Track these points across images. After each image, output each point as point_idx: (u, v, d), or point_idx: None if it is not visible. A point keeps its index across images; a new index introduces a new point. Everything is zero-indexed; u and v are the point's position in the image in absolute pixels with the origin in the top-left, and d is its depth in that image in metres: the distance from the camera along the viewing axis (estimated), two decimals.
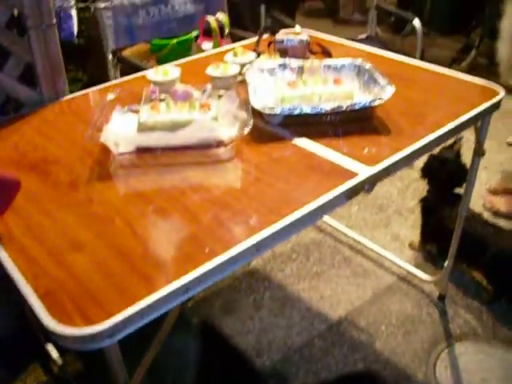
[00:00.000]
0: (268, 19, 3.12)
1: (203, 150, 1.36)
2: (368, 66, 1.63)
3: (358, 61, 1.66)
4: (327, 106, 1.42)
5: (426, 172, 2.27)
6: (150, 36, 2.70)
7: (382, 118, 1.50)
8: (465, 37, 4.49)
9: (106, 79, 2.50)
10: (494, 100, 1.62)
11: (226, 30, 2.55)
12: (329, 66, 1.66)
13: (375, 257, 2.41)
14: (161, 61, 3.61)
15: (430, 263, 2.36)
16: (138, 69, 2.31)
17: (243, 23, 3.90)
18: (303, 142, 1.40)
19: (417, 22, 2.94)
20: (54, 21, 1.66)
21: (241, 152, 1.37)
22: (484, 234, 2.12)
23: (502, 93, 1.66)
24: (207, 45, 2.59)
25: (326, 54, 1.97)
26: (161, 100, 1.45)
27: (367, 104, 1.42)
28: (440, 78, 1.82)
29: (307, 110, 1.41)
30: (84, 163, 1.36)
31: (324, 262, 2.38)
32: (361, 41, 3.40)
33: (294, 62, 1.66)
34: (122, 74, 2.54)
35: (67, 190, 1.27)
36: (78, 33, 2.29)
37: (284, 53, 1.92)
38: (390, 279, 2.29)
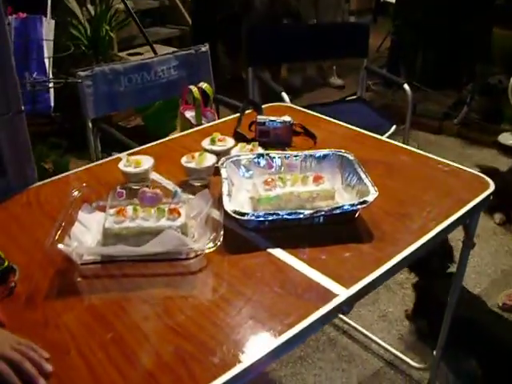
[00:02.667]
0: (255, 82, 3.06)
1: (171, 262, 1.27)
2: (351, 157, 1.55)
3: (341, 152, 1.58)
4: (305, 211, 1.33)
5: (414, 268, 2.18)
6: (131, 103, 2.64)
7: (365, 218, 1.42)
8: (456, 92, 4.45)
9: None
10: (485, 194, 1.54)
11: (210, 99, 2.47)
12: (310, 156, 1.58)
13: (361, 338, 2.31)
14: (146, 119, 3.57)
15: (420, 342, 2.25)
16: (117, 140, 2.25)
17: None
18: (279, 253, 1.31)
19: (407, 87, 2.87)
20: (22, 108, 1.58)
21: (211, 262, 1.29)
22: (482, 320, 2.01)
23: (491, 186, 1.57)
24: (190, 113, 2.51)
25: (310, 136, 1.89)
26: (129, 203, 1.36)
27: (348, 209, 1.34)
28: (428, 165, 1.74)
29: (283, 214, 1.33)
30: (45, 272, 1.27)
31: (308, 344, 2.27)
32: (351, 102, 3.36)
33: (273, 155, 1.57)
34: (103, 143, 2.47)
35: (24, 306, 1.18)
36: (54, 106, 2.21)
37: (265, 135, 1.85)
38: (377, 364, 2.18)
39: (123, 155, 1.67)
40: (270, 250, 1.32)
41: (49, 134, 3.15)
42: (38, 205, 1.57)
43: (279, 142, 1.85)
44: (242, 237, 1.37)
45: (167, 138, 1.96)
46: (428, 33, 4.43)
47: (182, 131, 2.50)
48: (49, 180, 1.70)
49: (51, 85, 2.01)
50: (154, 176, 1.66)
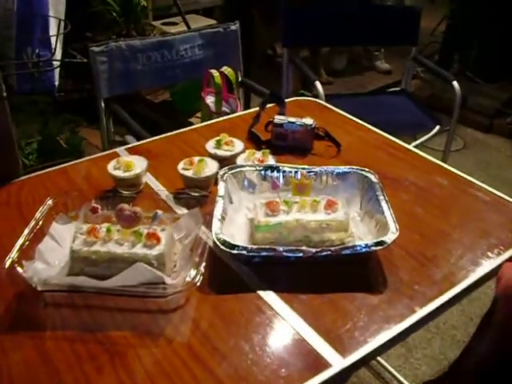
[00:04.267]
0: (290, 66, 2.81)
1: (142, 298, 1.08)
2: (375, 179, 1.32)
3: (364, 171, 1.35)
4: (307, 249, 1.12)
5: None
6: (150, 84, 2.44)
7: (380, 258, 1.19)
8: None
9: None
10: None
11: (234, 86, 2.25)
12: (326, 173, 1.35)
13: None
14: (174, 95, 3.37)
15: None
16: (129, 125, 2.06)
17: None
18: (270, 297, 1.10)
19: (456, 85, 2.58)
20: (5, 94, 1.39)
21: (190, 300, 1.09)
22: None
23: None
24: (211, 98, 2.31)
25: (334, 143, 1.66)
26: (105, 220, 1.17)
27: (360, 251, 1.11)
28: (466, 192, 1.49)
29: (281, 251, 1.11)
30: (3, 296, 1.10)
31: None
32: (393, 94, 3.08)
33: (283, 169, 1.35)
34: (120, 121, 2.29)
35: None
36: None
37: (283, 138, 1.63)
38: None
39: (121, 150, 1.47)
40: (260, 293, 1.11)
41: (66, 109, 2.98)
42: (16, 206, 1.39)
43: (298, 147, 1.63)
44: (232, 270, 1.17)
45: (173, 133, 1.75)
46: (487, 19, 4.06)
47: (202, 116, 2.31)
48: (34, 174, 1.52)
49: (56, 63, 1.81)
50: (149, 179, 1.46)
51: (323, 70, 4.36)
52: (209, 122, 1.86)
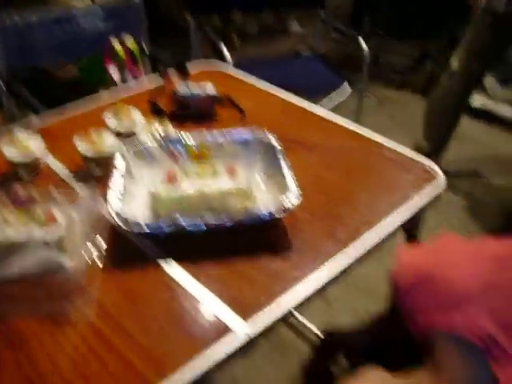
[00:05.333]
0: (198, 34, 2.75)
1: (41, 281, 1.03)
2: (277, 146, 1.30)
3: (266, 137, 1.33)
4: (209, 220, 1.09)
5: None
6: (53, 58, 2.32)
7: (285, 222, 1.19)
8: (423, 44, 4.18)
9: None
10: (433, 192, 1.31)
11: (137, 57, 2.18)
12: (227, 140, 1.33)
13: (298, 325, 2.11)
14: (81, 71, 3.24)
15: None
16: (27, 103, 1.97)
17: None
18: (174, 270, 1.08)
19: (362, 42, 2.60)
20: None
21: (92, 281, 1.05)
22: None
23: (442, 181, 1.34)
24: (114, 68, 2.22)
25: (237, 110, 1.64)
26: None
27: (262, 218, 1.10)
28: (373, 152, 1.50)
29: (182, 225, 1.09)
30: None
31: None
32: (303, 58, 3.08)
33: (182, 138, 1.32)
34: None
35: None
36: None
37: (184, 107, 1.59)
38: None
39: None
40: (165, 268, 1.09)
41: None
42: None
43: (200, 116, 1.60)
44: (135, 247, 1.14)
45: (73, 108, 1.68)
46: None
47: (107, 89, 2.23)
48: None
49: None
50: (49, 159, 1.39)
51: (236, 37, 4.31)
52: (111, 94, 1.79)
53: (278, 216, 1.09)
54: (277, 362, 1.98)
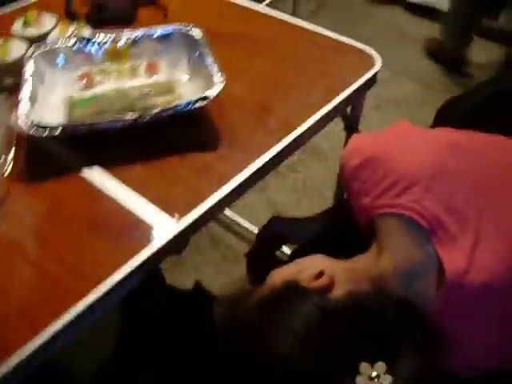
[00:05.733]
0: None
1: None
2: (198, 36, 1.21)
3: (187, 29, 1.23)
4: (126, 116, 1.01)
5: None
6: None
7: (214, 115, 1.11)
8: None
9: None
10: (368, 75, 1.25)
11: None
12: (146, 37, 1.22)
13: (248, 235, 2.07)
14: None
15: None
16: None
17: None
18: (96, 174, 1.00)
19: None
20: None
21: (9, 196, 0.97)
22: None
23: (377, 62, 1.28)
24: None
25: (160, 8, 1.52)
26: None
27: (183, 109, 1.02)
28: (304, 39, 1.41)
29: (96, 124, 1.00)
30: None
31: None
32: None
33: (97, 38, 1.21)
34: None
35: None
36: None
37: (102, 9, 1.46)
38: None
39: None
40: (85, 172, 1.01)
41: None
42: None
43: (120, 17, 1.47)
44: (52, 154, 1.05)
45: None
46: None
47: None
48: None
49: None
50: None
51: None
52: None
53: (198, 105, 1.01)
54: (227, 272, 1.95)
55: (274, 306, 0.78)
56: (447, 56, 2.92)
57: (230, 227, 2.07)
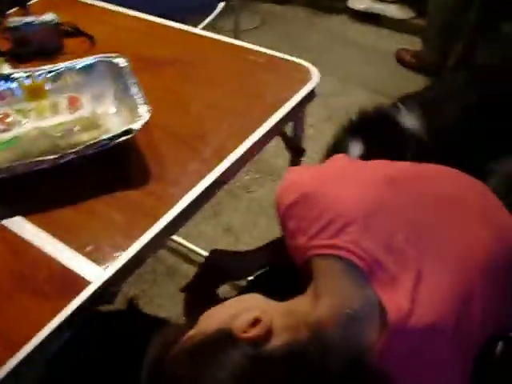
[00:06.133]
0: None
1: None
2: (123, 63, 1.15)
3: (111, 58, 1.17)
4: (48, 158, 0.94)
5: None
6: None
7: (143, 148, 1.05)
8: None
9: None
10: (304, 90, 1.20)
11: None
12: (69, 70, 1.16)
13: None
14: None
15: None
16: None
17: None
18: (17, 226, 0.93)
19: None
20: None
21: None
22: None
23: (315, 76, 1.23)
24: None
25: (86, 37, 1.45)
26: None
27: (106, 145, 0.95)
28: (240, 58, 1.36)
29: (17, 168, 0.93)
30: None
31: (143, 279, 1.95)
32: None
33: (14, 75, 1.14)
34: None
35: None
36: None
37: (25, 43, 1.39)
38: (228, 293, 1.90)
39: None
40: (5, 222, 0.93)
41: None
42: None
43: (45, 50, 1.41)
44: None
45: None
46: None
47: None
48: None
49: None
50: None
51: None
52: None
53: (122, 139, 0.94)
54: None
55: (203, 354, 0.72)
56: (426, 65, 2.88)
57: (187, 256, 2.00)
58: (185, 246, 2.00)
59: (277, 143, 2.05)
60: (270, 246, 1.14)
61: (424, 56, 2.88)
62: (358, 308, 0.75)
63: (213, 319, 0.77)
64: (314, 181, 0.88)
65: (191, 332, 0.76)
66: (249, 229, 2.11)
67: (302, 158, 1.40)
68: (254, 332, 0.72)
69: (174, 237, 1.99)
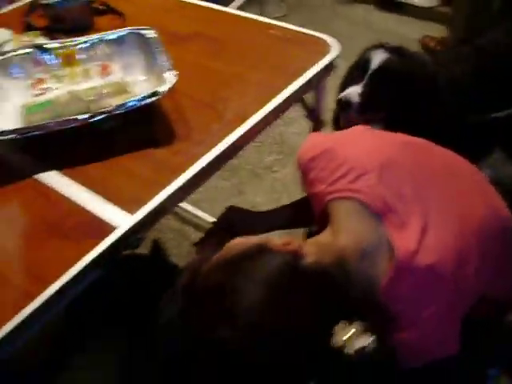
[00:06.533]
0: None
1: None
2: (152, 35, 1.21)
3: (140, 30, 1.23)
4: (81, 117, 1.00)
5: None
6: None
7: (169, 113, 1.11)
8: None
9: None
10: (324, 60, 1.25)
11: None
12: (100, 42, 1.23)
13: None
14: None
15: None
16: None
17: None
18: (51, 178, 1.00)
19: None
20: None
21: None
22: None
23: (334, 48, 1.28)
24: None
25: (117, 14, 1.52)
26: None
27: (133, 105, 1.02)
28: (263, 33, 1.41)
29: (50, 126, 0.99)
30: None
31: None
32: None
33: (50, 45, 1.21)
34: None
35: None
36: None
37: (59, 20, 1.47)
38: None
39: None
40: (40, 176, 1.00)
41: None
42: None
43: (77, 27, 1.47)
44: (5, 162, 1.04)
45: None
46: None
47: None
48: None
49: None
50: None
51: None
52: None
53: (148, 101, 1.01)
54: None
55: (240, 264, 0.77)
56: None
57: None
58: (210, 223, 2.04)
59: (299, 125, 2.11)
60: (289, 206, 1.19)
61: (450, 43, 2.90)
62: (371, 245, 0.83)
63: (242, 242, 0.82)
64: (335, 140, 0.98)
65: (219, 253, 0.80)
66: (272, 207, 2.15)
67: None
68: (291, 247, 0.78)
69: (200, 213, 2.05)
